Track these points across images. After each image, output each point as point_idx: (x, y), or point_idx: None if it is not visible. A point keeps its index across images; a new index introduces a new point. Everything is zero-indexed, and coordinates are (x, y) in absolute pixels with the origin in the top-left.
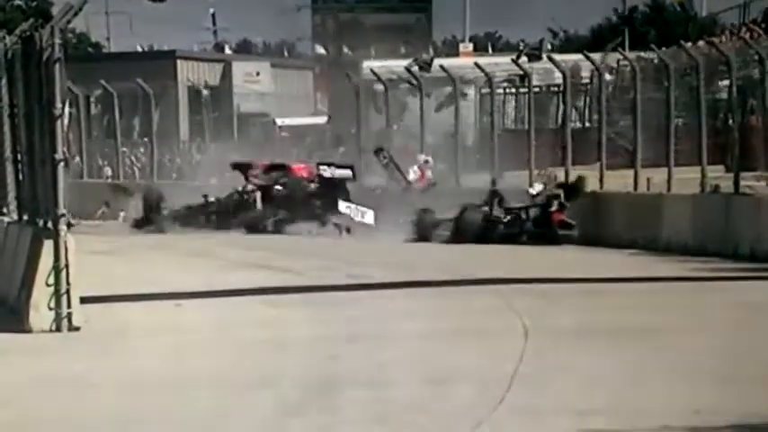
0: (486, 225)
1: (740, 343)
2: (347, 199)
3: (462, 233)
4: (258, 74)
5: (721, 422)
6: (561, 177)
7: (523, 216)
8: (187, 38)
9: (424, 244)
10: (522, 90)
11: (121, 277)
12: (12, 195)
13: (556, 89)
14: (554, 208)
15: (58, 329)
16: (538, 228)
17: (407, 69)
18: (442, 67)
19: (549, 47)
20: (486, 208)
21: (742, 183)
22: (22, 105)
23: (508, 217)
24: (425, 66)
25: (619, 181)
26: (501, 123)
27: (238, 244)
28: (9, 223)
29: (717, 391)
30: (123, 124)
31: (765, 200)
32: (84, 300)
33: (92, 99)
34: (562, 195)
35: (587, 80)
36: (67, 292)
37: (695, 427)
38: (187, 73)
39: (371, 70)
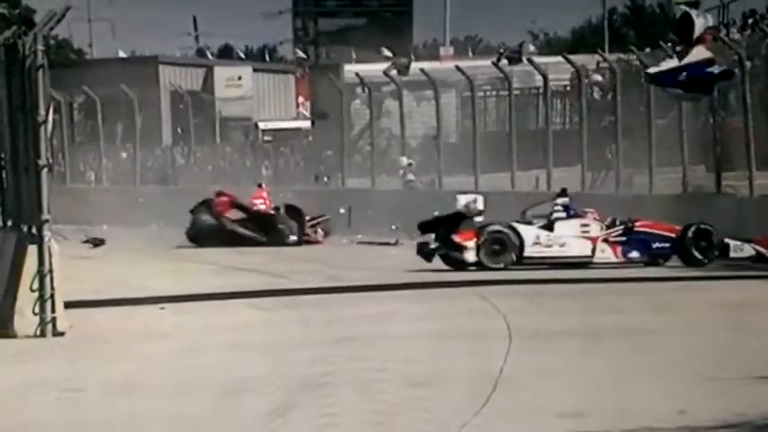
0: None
1: (724, 342)
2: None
3: None
4: (240, 78)
5: (707, 422)
6: None
7: None
8: (169, 43)
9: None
10: (502, 93)
11: (106, 281)
12: None
13: (536, 91)
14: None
15: (43, 335)
16: None
17: (385, 73)
18: (422, 70)
19: (532, 48)
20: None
21: (723, 183)
22: (5, 112)
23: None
24: (403, 69)
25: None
26: (482, 126)
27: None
28: None
29: (702, 390)
30: (106, 130)
31: (746, 200)
32: (68, 304)
33: (75, 105)
34: None
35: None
36: (52, 297)
37: (680, 428)
38: (169, 78)
39: (356, 74)
